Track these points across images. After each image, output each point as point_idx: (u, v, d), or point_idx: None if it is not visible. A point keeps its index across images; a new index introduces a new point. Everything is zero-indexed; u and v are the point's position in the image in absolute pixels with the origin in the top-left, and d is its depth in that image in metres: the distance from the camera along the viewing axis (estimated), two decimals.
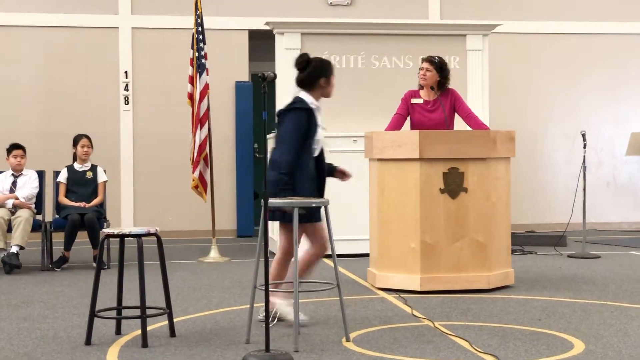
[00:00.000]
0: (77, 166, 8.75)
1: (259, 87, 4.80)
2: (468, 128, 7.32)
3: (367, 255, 7.23)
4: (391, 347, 4.83)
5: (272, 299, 5.37)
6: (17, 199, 8.40)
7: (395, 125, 7.28)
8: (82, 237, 8.55)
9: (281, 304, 5.43)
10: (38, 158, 10.12)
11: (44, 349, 4.85)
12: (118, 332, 5.22)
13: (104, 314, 5.18)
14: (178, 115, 11.23)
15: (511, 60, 12.04)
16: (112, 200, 10.55)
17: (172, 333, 5.14)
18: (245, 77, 11.78)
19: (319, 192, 5.45)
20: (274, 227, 9.28)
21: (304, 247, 5.49)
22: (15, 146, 8.71)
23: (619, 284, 7.04)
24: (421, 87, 7.31)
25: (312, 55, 5.51)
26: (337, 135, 8.76)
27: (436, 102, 7.21)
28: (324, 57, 5.72)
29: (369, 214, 7.12)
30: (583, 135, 9.25)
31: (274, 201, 4.96)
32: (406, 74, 9.19)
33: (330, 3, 11.87)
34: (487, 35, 9.59)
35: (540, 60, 12.19)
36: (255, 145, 12.17)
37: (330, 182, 5.63)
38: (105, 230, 5.13)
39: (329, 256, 5.48)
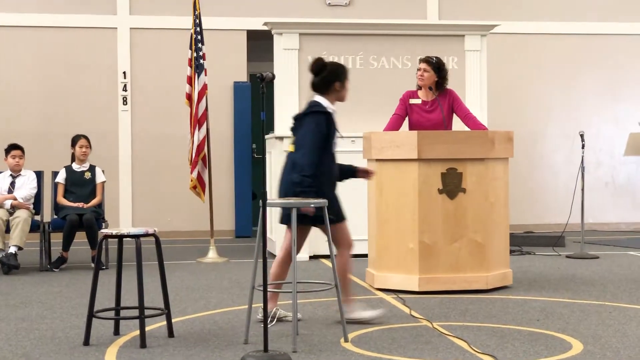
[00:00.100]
0: (76, 166, 8.74)
1: (258, 87, 4.81)
2: (466, 128, 7.32)
3: (365, 255, 7.23)
4: (389, 347, 4.84)
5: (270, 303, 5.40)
6: (15, 199, 8.39)
7: (394, 125, 7.28)
8: (81, 237, 8.54)
9: (357, 311, 5.49)
10: (36, 158, 10.11)
11: (42, 350, 4.85)
12: (116, 332, 5.22)
13: (102, 314, 5.18)
14: (176, 116, 11.23)
15: (510, 60, 12.04)
16: (111, 200, 10.56)
17: (171, 333, 5.14)
18: (243, 77, 11.78)
19: None
20: (272, 227, 9.28)
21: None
22: (13, 146, 8.70)
23: (617, 285, 7.05)
24: (419, 88, 7.31)
25: (318, 58, 5.54)
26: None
27: (434, 103, 7.21)
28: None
29: (368, 215, 7.12)
30: (581, 136, 9.26)
31: (272, 202, 4.97)
32: (404, 74, 9.19)
33: (329, 3, 11.87)
34: (485, 36, 9.59)
35: (539, 60, 12.19)
36: (254, 146, 12.17)
37: None
38: (104, 231, 5.13)
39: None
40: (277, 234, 9.06)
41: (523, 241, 9.87)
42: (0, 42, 11.35)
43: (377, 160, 6.81)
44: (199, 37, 9.12)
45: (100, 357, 4.66)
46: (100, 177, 8.76)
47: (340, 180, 5.57)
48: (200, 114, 9.06)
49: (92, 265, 8.29)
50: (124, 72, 11.49)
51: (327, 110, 5.38)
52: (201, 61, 9.08)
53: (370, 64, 9.32)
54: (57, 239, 8.53)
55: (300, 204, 5.01)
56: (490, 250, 6.73)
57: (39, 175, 8.76)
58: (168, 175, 11.46)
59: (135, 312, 5.02)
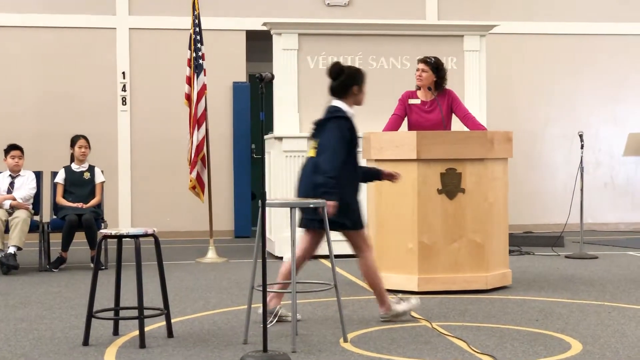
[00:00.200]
0: (75, 167, 8.74)
1: (257, 87, 4.81)
2: (465, 129, 7.32)
3: None
4: (389, 347, 4.84)
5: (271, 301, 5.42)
6: (14, 199, 8.39)
7: (393, 125, 7.28)
8: (80, 237, 8.54)
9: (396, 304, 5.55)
10: (36, 159, 10.12)
11: (42, 350, 4.84)
12: (116, 332, 5.22)
13: (101, 314, 5.18)
14: (175, 116, 11.23)
15: (509, 60, 12.04)
16: (110, 201, 10.56)
17: (170, 334, 5.14)
18: (242, 77, 11.78)
19: None
20: (271, 227, 9.28)
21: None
22: (13, 147, 8.70)
23: (616, 285, 7.05)
24: (418, 88, 7.31)
25: (335, 62, 5.57)
26: None
27: (433, 103, 7.21)
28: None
29: (367, 215, 7.12)
30: (580, 136, 9.26)
31: (271, 202, 4.97)
32: (404, 74, 9.19)
33: (328, 4, 11.87)
34: (484, 36, 9.59)
35: (538, 60, 12.20)
36: (253, 146, 12.17)
37: None
38: (103, 231, 5.13)
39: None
40: (276, 234, 9.07)
41: (522, 241, 9.87)
42: (0, 42, 11.35)
43: (377, 160, 6.81)
44: (198, 37, 9.12)
45: (100, 358, 4.66)
46: (99, 178, 8.76)
47: (365, 182, 5.60)
48: (199, 114, 9.06)
49: (92, 265, 8.28)
50: (123, 73, 11.49)
51: (348, 115, 5.39)
52: (200, 61, 9.08)
53: (369, 64, 9.32)
54: (56, 239, 8.52)
55: (300, 204, 5.02)
56: (489, 250, 6.73)
57: (38, 175, 8.76)
58: (167, 176, 11.46)
59: (135, 313, 5.02)
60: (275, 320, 5.40)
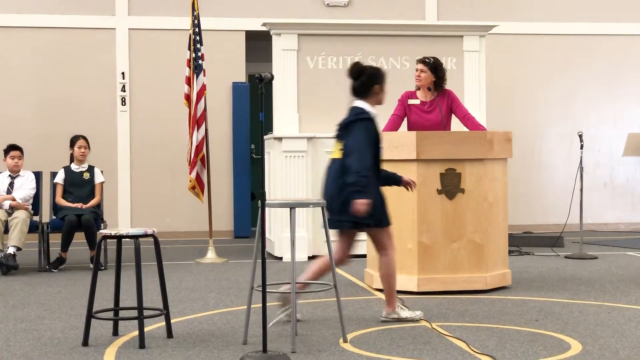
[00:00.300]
0: (74, 167, 8.74)
1: (256, 88, 4.80)
2: (465, 129, 7.32)
3: (364, 256, 7.23)
4: (388, 348, 4.84)
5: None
6: (14, 200, 8.39)
7: (393, 126, 7.28)
8: (79, 238, 8.54)
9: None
10: (35, 159, 10.12)
11: (41, 350, 4.84)
12: (115, 333, 5.22)
13: (101, 315, 5.18)
14: (175, 116, 11.23)
15: (508, 61, 12.04)
16: (109, 201, 10.55)
17: (170, 334, 5.14)
18: (242, 78, 11.78)
19: None
20: (271, 228, 9.28)
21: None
22: (12, 147, 8.70)
23: (616, 285, 7.05)
24: (418, 88, 7.31)
25: (355, 62, 5.59)
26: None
27: (433, 103, 7.21)
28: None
29: None
30: (580, 136, 9.27)
31: (271, 202, 4.97)
32: (403, 75, 9.18)
33: (327, 4, 11.88)
34: (484, 36, 9.59)
35: (538, 61, 12.20)
36: (252, 146, 12.16)
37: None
38: (103, 231, 5.13)
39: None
40: (276, 235, 9.07)
41: (522, 241, 9.87)
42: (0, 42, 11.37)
43: None
44: (198, 37, 9.12)
45: (99, 358, 4.66)
46: (99, 178, 8.76)
47: (384, 185, 5.62)
48: (199, 114, 9.06)
49: (91, 265, 8.28)
50: (123, 73, 11.49)
51: (372, 116, 5.41)
52: (200, 62, 9.08)
53: (368, 64, 9.31)
54: (55, 239, 8.52)
55: (299, 204, 5.03)
56: (489, 250, 6.73)
57: (38, 175, 8.75)
58: (167, 176, 11.46)
59: (134, 313, 5.02)
60: (282, 310, 5.37)
